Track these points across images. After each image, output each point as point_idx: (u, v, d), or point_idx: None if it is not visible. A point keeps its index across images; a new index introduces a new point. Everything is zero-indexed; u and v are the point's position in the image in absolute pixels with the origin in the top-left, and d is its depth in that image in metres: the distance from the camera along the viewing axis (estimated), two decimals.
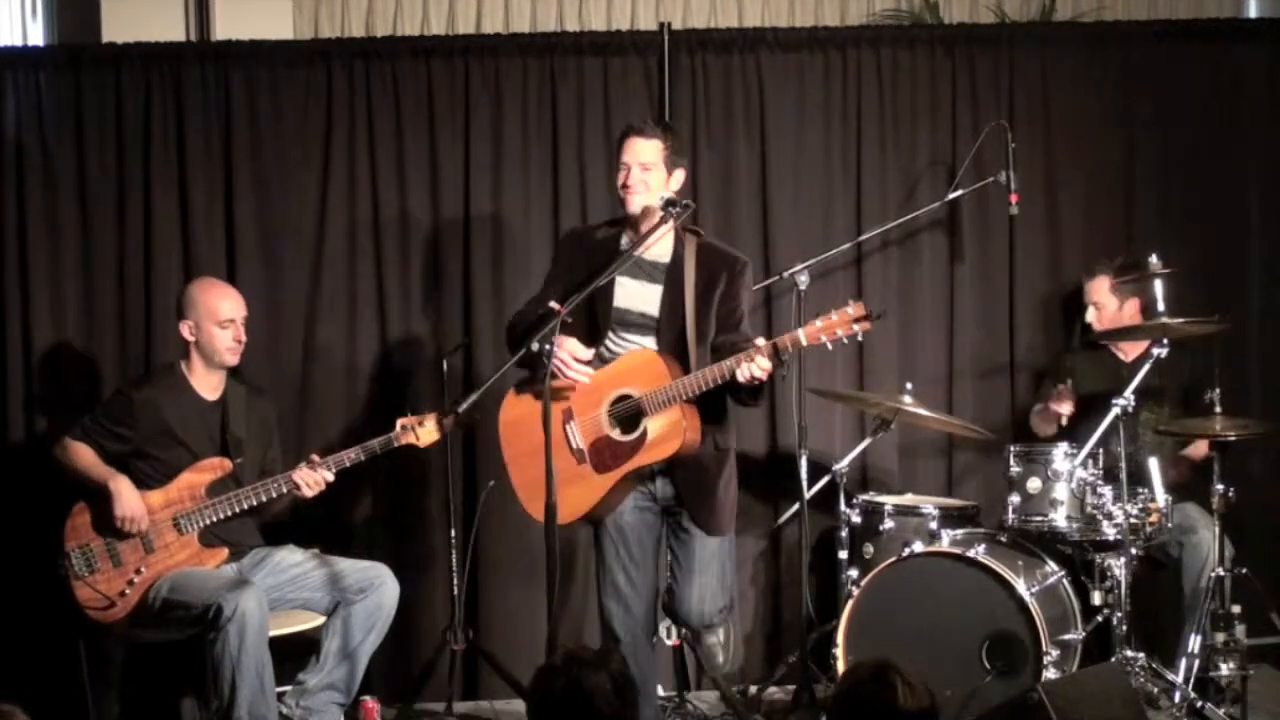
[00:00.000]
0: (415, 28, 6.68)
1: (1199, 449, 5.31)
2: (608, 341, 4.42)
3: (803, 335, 4.25)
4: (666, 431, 4.32)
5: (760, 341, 4.24)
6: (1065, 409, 5.37)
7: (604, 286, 4.33)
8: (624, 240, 4.45)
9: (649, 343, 4.40)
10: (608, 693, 2.95)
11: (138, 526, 4.68)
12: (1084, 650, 4.99)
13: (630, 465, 4.34)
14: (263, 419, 5.02)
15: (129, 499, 4.68)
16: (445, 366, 5.36)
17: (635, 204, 4.39)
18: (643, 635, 4.50)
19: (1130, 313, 5.42)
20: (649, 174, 4.39)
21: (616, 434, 4.35)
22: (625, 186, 4.40)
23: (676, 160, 4.47)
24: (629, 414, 4.33)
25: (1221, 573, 4.91)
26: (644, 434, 4.32)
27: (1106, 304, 5.45)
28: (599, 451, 4.37)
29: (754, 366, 4.20)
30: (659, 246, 4.42)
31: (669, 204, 4.33)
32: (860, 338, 4.27)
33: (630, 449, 4.34)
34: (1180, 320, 5.00)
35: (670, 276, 4.41)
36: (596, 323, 4.41)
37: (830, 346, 4.29)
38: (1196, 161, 5.88)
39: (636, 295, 4.41)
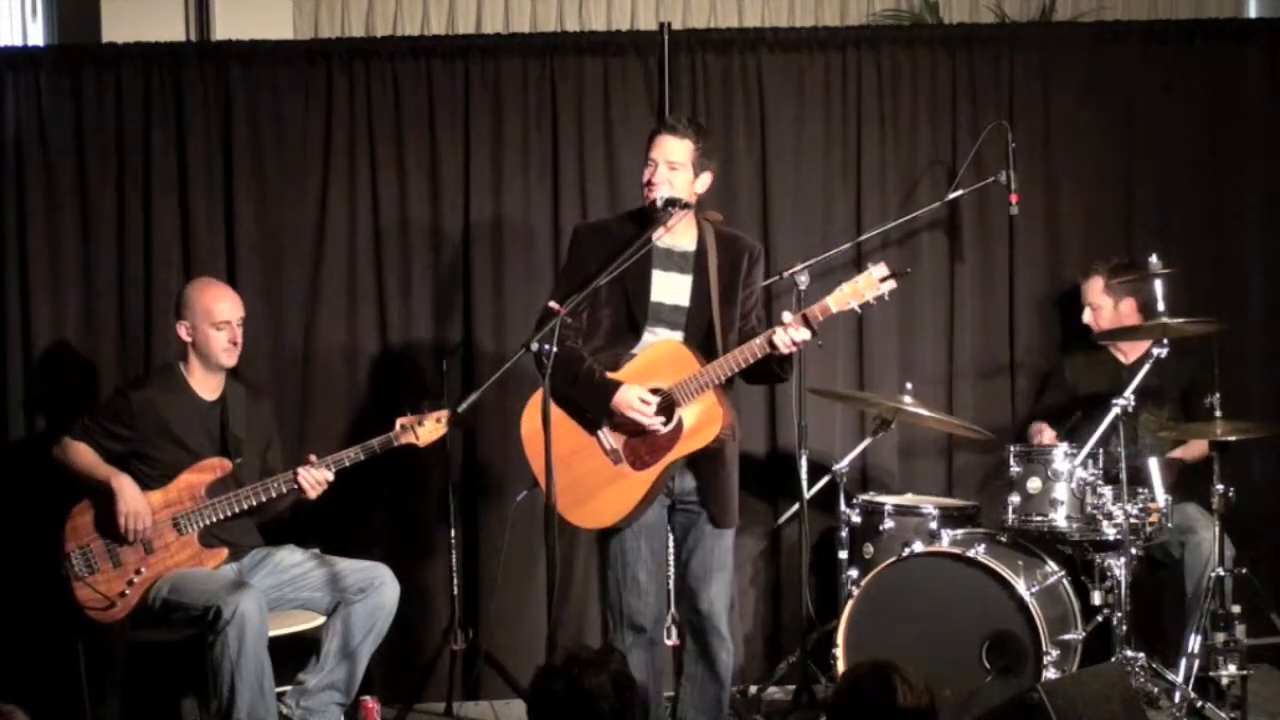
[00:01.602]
0: (415, 28, 6.68)
1: (1191, 449, 5.31)
2: (645, 339, 4.40)
3: (831, 303, 4.24)
4: (704, 418, 4.30)
5: (787, 316, 4.24)
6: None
7: (642, 282, 4.33)
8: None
9: (678, 335, 4.38)
10: (609, 693, 2.95)
11: (141, 523, 4.68)
12: (1084, 650, 4.99)
13: (671, 457, 4.31)
14: (263, 419, 5.02)
15: (132, 497, 4.68)
16: (445, 366, 5.36)
17: (659, 201, 4.36)
18: (660, 629, 4.49)
19: (1126, 312, 5.41)
20: (675, 173, 4.37)
21: (655, 418, 4.32)
22: (649, 183, 4.37)
23: (705, 163, 4.44)
24: (662, 406, 4.31)
25: (1221, 573, 4.91)
26: (680, 424, 4.31)
27: (1101, 305, 5.45)
28: (634, 449, 4.35)
29: (792, 334, 4.19)
30: (683, 237, 4.41)
31: (669, 203, 4.33)
32: (887, 298, 4.27)
33: (667, 441, 4.31)
34: (1180, 320, 5.00)
35: (697, 265, 4.41)
36: (634, 319, 4.39)
37: (860, 311, 4.30)
38: (1196, 161, 5.88)
39: (670, 288, 4.40)
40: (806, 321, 4.24)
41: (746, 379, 4.45)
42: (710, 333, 4.36)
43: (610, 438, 4.37)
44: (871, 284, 4.23)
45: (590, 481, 4.29)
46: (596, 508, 4.32)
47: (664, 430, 4.30)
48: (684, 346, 4.35)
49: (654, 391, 4.31)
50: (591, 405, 4.31)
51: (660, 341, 4.38)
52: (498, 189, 5.70)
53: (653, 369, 4.34)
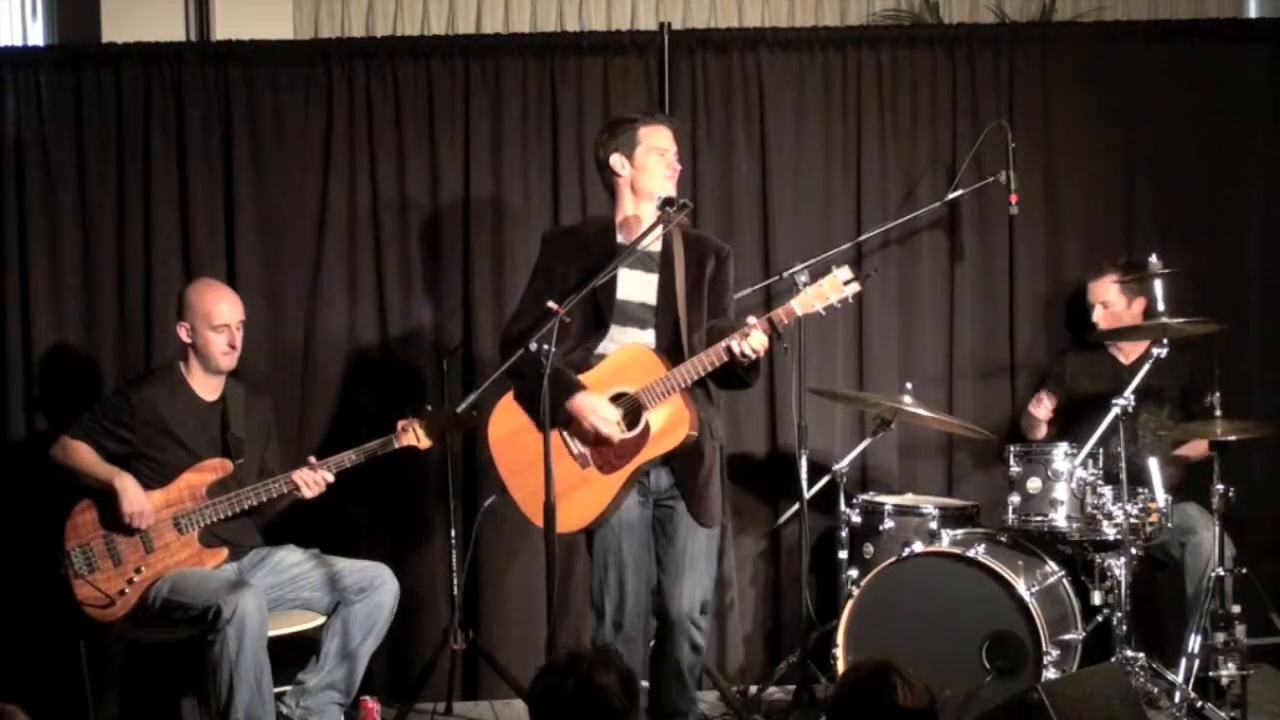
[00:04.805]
0: (415, 28, 6.67)
1: (1195, 448, 5.31)
2: (612, 334, 4.40)
3: (796, 305, 4.25)
4: (671, 422, 4.30)
5: (752, 319, 4.24)
6: (1043, 414, 5.37)
7: (608, 280, 4.31)
8: (619, 235, 4.45)
9: (648, 334, 4.39)
10: (618, 690, 2.95)
11: (144, 522, 4.68)
12: (1084, 650, 4.99)
13: (638, 461, 4.32)
14: (262, 419, 5.03)
15: (134, 495, 4.69)
16: (445, 366, 5.37)
17: (658, 199, 4.39)
18: (639, 629, 4.49)
19: (1136, 312, 5.42)
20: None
21: (618, 425, 4.32)
22: (672, 170, 4.43)
23: None
24: (628, 410, 4.32)
25: (1222, 573, 4.91)
26: (646, 428, 4.31)
27: (1115, 303, 5.45)
28: (602, 453, 4.36)
29: (750, 342, 4.20)
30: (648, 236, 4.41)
31: (668, 202, 4.33)
32: (852, 300, 4.28)
33: (634, 445, 4.32)
34: (1180, 320, 5.00)
35: (663, 265, 4.41)
36: (601, 317, 4.39)
37: (825, 313, 4.30)
38: (1197, 161, 5.88)
39: (636, 286, 4.41)
40: (772, 324, 4.24)
41: (717, 384, 4.45)
42: (678, 333, 4.37)
43: (577, 442, 4.37)
44: (836, 286, 4.24)
45: (558, 486, 4.25)
46: (565, 511, 4.26)
47: (630, 435, 4.31)
48: (650, 351, 4.35)
49: (620, 396, 4.33)
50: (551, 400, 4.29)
51: (627, 346, 4.38)
52: (498, 189, 5.70)
53: (620, 373, 4.34)
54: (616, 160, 4.45)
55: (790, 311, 4.26)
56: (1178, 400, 5.38)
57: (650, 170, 4.42)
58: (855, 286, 4.25)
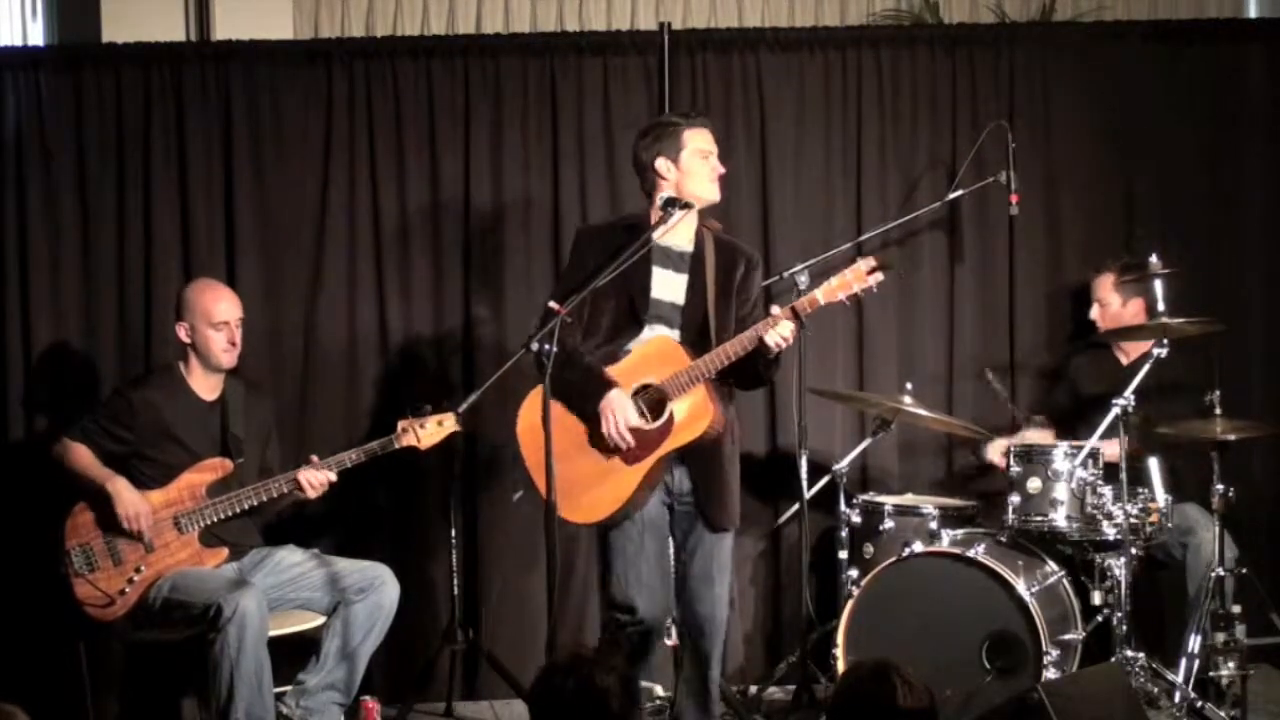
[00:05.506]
0: (415, 28, 6.68)
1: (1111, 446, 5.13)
2: (644, 331, 4.39)
3: (820, 294, 4.28)
4: (694, 412, 4.30)
5: (776, 308, 4.24)
6: (993, 460, 5.35)
7: (643, 278, 4.33)
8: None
9: (675, 334, 4.38)
10: (619, 692, 2.95)
11: (142, 523, 4.68)
12: (1084, 650, 4.99)
13: (661, 451, 4.32)
14: (262, 418, 5.03)
15: (129, 498, 4.68)
16: (446, 367, 5.36)
17: (659, 200, 4.38)
18: (653, 625, 4.47)
19: (1133, 312, 5.42)
20: None
21: (641, 422, 4.33)
22: (714, 173, 4.42)
23: None
24: (652, 401, 4.32)
25: (1222, 573, 4.91)
26: (670, 418, 4.31)
27: (1110, 301, 5.45)
28: None
29: (779, 331, 4.22)
30: (682, 236, 4.40)
31: (670, 203, 4.33)
32: (875, 290, 4.30)
33: (658, 435, 4.31)
34: (1180, 320, 5.00)
35: (694, 266, 4.41)
36: (635, 313, 4.38)
37: (847, 303, 4.34)
38: (1196, 161, 5.87)
39: (668, 285, 4.40)
40: (795, 314, 4.25)
41: (736, 383, 4.45)
42: (705, 332, 4.36)
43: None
44: (859, 276, 4.27)
45: (584, 478, 4.28)
46: (589, 502, 4.31)
47: (655, 425, 4.31)
48: (675, 342, 4.35)
49: (645, 387, 4.32)
50: (580, 401, 4.30)
51: (653, 338, 4.38)
52: (498, 189, 5.70)
53: (645, 364, 4.34)
54: (662, 164, 4.40)
55: (814, 300, 4.28)
56: (1168, 399, 5.35)
57: (695, 174, 4.39)
58: (879, 276, 4.27)
